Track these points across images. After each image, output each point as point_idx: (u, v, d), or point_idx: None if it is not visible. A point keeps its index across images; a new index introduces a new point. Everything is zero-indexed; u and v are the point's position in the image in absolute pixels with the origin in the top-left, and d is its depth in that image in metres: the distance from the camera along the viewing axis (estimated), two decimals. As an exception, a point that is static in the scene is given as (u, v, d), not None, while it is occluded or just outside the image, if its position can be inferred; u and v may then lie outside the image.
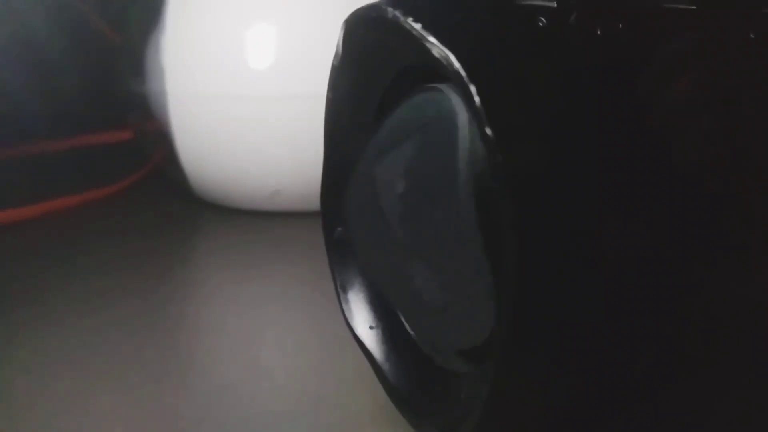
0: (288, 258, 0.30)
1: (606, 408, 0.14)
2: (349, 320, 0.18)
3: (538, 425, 0.14)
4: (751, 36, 0.15)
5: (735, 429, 0.15)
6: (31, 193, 0.34)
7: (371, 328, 0.18)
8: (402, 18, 0.14)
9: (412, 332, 0.17)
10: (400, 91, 0.16)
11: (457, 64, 0.12)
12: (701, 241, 0.13)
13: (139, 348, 0.22)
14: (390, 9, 0.14)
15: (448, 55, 0.13)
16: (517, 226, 0.12)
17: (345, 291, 0.18)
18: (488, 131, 0.12)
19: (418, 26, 0.13)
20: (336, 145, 0.18)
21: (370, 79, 0.17)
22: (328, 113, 0.18)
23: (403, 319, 0.18)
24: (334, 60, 0.17)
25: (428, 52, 0.13)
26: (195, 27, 0.33)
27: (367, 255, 0.17)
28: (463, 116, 0.14)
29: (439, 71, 0.13)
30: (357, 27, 0.16)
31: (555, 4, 0.14)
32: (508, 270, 0.12)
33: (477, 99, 0.12)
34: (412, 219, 0.15)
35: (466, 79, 0.12)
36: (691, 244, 0.13)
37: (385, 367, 0.17)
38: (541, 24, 0.13)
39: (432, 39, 0.13)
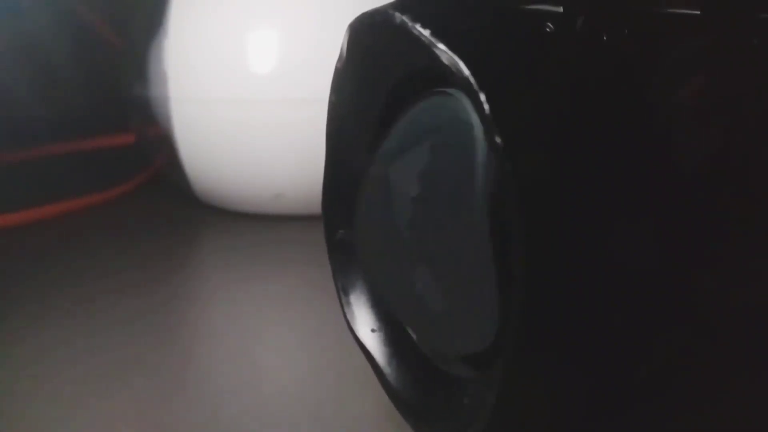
0: (290, 261, 0.30)
1: (612, 413, 0.14)
2: (351, 323, 0.18)
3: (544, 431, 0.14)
4: (755, 41, 0.15)
5: (739, 429, 0.15)
6: (35, 197, 0.34)
7: (373, 331, 0.18)
8: (410, 24, 0.14)
9: (414, 335, 0.17)
10: (404, 96, 0.16)
11: (466, 71, 0.12)
12: (707, 246, 0.13)
13: (141, 350, 0.22)
14: (398, 14, 0.14)
15: (457, 62, 0.13)
16: (526, 233, 0.12)
17: (346, 294, 0.18)
18: (497, 139, 0.12)
19: (426, 32, 0.13)
20: (338, 148, 0.18)
21: (373, 82, 0.17)
22: (330, 116, 0.18)
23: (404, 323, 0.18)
24: (337, 63, 0.17)
25: (437, 58, 0.13)
26: (198, 31, 0.33)
27: (371, 258, 0.17)
28: (477, 121, 0.14)
29: (448, 77, 0.13)
30: (363, 31, 0.16)
31: (561, 10, 0.14)
32: (517, 277, 0.12)
33: (486, 107, 0.12)
34: (422, 223, 0.15)
35: (475, 86, 0.12)
36: (698, 250, 0.13)
37: (387, 370, 0.17)
38: (548, 30, 0.13)
39: (441, 45, 0.13)
